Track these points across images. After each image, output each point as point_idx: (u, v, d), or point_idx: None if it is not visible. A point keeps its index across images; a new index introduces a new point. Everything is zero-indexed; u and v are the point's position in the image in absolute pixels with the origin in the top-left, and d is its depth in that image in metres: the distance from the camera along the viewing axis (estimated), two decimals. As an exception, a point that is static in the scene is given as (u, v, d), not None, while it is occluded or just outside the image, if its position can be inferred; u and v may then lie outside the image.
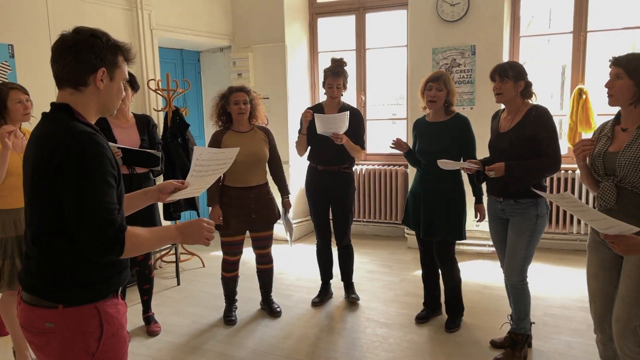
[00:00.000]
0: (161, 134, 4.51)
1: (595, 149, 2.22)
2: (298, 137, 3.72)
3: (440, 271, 3.39)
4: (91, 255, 1.46)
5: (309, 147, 3.72)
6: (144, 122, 3.42)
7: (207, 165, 1.92)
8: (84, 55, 1.49)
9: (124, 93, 1.64)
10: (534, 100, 2.86)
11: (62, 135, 1.44)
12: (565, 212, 4.80)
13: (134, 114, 3.42)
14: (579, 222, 4.77)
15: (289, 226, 3.70)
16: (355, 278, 3.98)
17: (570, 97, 4.68)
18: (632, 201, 2.02)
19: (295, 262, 4.88)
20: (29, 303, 1.53)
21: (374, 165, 5.62)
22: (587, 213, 1.95)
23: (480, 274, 4.36)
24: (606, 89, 2.18)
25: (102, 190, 1.44)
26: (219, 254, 3.66)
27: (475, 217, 3.25)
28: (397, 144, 3.33)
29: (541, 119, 2.73)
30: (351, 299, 3.84)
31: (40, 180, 1.47)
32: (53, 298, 1.49)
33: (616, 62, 2.14)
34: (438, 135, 3.21)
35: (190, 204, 4.58)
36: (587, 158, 2.27)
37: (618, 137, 2.17)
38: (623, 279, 2.15)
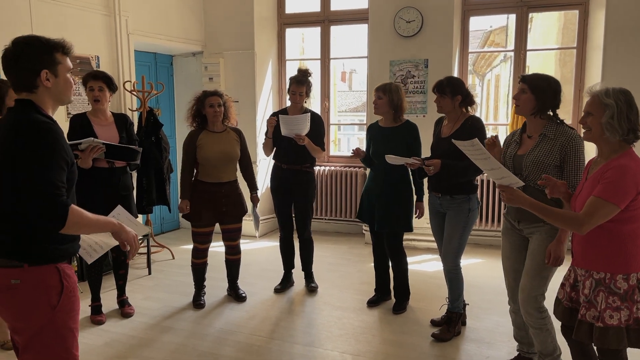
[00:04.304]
0: (136, 132, 4.78)
1: (507, 152, 2.68)
2: (265, 140, 4.09)
3: (390, 261, 3.80)
4: (38, 222, 1.72)
5: (275, 148, 4.09)
6: (122, 121, 3.71)
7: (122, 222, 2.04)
8: (25, 64, 1.76)
9: (72, 83, 1.89)
10: (475, 108, 3.32)
11: (25, 123, 1.73)
12: (499, 212, 5.31)
13: (112, 112, 3.71)
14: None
15: (256, 219, 4.06)
16: (316, 269, 4.36)
17: (511, 108, 5.21)
18: (533, 195, 2.45)
19: (261, 255, 5.23)
20: None
21: (336, 166, 6.03)
22: (488, 161, 2.29)
23: (428, 265, 4.81)
24: (514, 101, 2.65)
25: (54, 169, 1.71)
26: (189, 246, 3.97)
27: (415, 213, 3.64)
28: (357, 153, 3.73)
29: (475, 127, 3.18)
30: (310, 288, 4.21)
31: (5, 160, 1.72)
32: (19, 258, 1.76)
33: (522, 79, 2.59)
34: (389, 139, 3.59)
35: (162, 198, 4.86)
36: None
37: (525, 143, 2.63)
38: (528, 256, 2.61)
